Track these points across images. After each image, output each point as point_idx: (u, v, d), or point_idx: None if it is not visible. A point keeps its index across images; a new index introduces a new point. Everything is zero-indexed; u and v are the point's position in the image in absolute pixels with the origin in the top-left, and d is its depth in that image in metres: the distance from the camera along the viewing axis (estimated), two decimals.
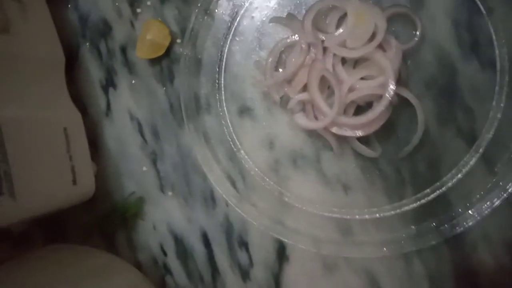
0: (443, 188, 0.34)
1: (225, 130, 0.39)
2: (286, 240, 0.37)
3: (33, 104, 0.36)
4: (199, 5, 0.38)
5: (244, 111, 0.39)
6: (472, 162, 0.34)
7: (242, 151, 0.39)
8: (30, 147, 0.33)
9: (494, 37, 0.33)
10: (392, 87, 0.32)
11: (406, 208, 0.35)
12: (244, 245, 0.39)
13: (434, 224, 0.34)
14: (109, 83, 0.42)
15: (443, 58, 0.35)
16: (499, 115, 0.33)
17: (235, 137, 0.39)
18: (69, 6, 0.43)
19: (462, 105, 0.34)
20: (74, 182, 0.37)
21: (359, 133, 0.34)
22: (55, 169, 0.35)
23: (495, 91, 0.33)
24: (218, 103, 0.39)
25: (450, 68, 0.35)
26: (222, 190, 0.38)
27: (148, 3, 0.41)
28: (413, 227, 0.35)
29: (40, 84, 0.37)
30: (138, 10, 0.41)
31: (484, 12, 0.33)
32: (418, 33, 0.34)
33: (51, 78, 0.39)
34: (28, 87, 0.36)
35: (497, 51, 0.33)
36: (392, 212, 0.36)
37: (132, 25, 0.41)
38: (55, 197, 0.35)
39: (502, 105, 0.33)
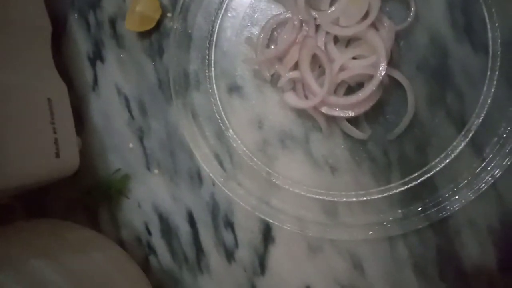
0: (431, 173, 0.34)
1: (214, 107, 0.38)
2: (272, 221, 0.36)
3: (16, 71, 0.35)
4: None
5: (234, 89, 0.38)
6: (460, 147, 0.34)
7: (230, 130, 0.38)
8: (12, 115, 0.32)
9: (487, 20, 0.33)
10: (383, 66, 0.31)
11: (393, 191, 0.35)
12: (230, 225, 0.39)
13: (420, 208, 0.34)
14: (96, 56, 0.41)
15: (436, 40, 0.34)
16: (489, 100, 0.33)
17: (223, 115, 0.38)
18: None
19: (453, 88, 0.34)
20: (57, 155, 0.36)
21: (349, 114, 0.33)
22: (37, 140, 0.34)
23: (487, 75, 0.33)
24: (208, 80, 0.38)
25: (442, 50, 0.34)
26: (209, 169, 0.37)
27: None
28: (399, 210, 0.34)
29: (24, 51, 0.36)
30: None
31: None
32: (411, 13, 0.34)
33: (36, 46, 0.38)
34: (11, 53, 0.35)
35: (490, 35, 0.33)
36: (379, 195, 0.35)
37: None
38: (37, 168, 0.34)
39: (492, 90, 0.33)
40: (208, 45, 0.38)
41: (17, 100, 0.33)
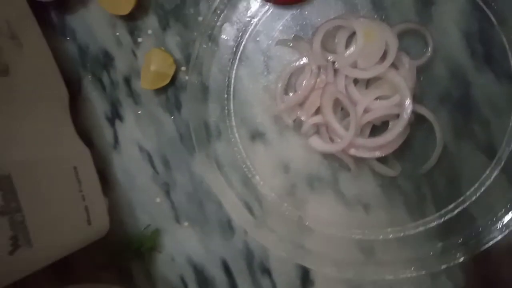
0: (466, 203, 0.34)
1: (238, 156, 0.38)
2: (308, 266, 0.36)
3: (40, 145, 0.35)
4: (202, 31, 0.37)
5: (256, 136, 0.38)
6: (494, 176, 0.33)
7: (257, 177, 0.38)
8: (42, 192, 0.32)
9: (507, 47, 0.32)
10: (409, 106, 0.31)
11: (430, 225, 0.35)
12: (266, 271, 0.39)
13: (460, 240, 0.33)
14: (114, 115, 0.41)
15: (457, 71, 0.34)
16: None
17: (248, 163, 0.38)
18: (67, 38, 0.42)
19: (478, 118, 0.34)
20: (89, 222, 0.36)
21: (378, 154, 0.33)
22: (69, 212, 0.34)
23: None
24: (229, 129, 0.38)
25: (464, 81, 0.34)
26: (239, 218, 0.37)
27: (149, 31, 0.40)
28: (438, 244, 0.34)
29: (45, 123, 0.36)
30: (139, 39, 0.40)
31: (495, 23, 0.32)
32: (430, 48, 0.34)
33: (55, 115, 0.38)
34: (34, 128, 0.35)
35: None
36: (416, 230, 0.35)
37: (134, 54, 0.40)
38: (71, 240, 0.34)
39: None
40: (226, 95, 0.38)
41: (45, 175, 0.33)
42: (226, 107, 0.38)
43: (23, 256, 0.30)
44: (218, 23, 0.37)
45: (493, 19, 0.33)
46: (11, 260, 0.29)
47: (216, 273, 0.40)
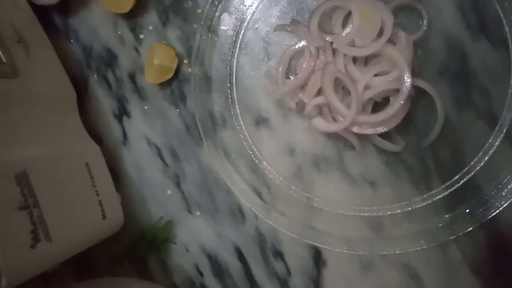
0: (471, 173, 0.34)
1: (244, 143, 0.39)
2: (320, 245, 0.37)
3: (52, 143, 0.36)
4: (201, 23, 0.38)
5: (260, 121, 0.39)
6: (497, 143, 0.34)
7: (264, 162, 0.39)
8: (58, 188, 0.33)
9: (502, 15, 0.33)
10: (408, 80, 0.32)
11: (436, 197, 0.35)
12: (279, 254, 0.39)
13: (467, 210, 0.34)
14: (121, 112, 0.42)
15: (453, 43, 0.35)
16: None
17: (254, 149, 0.39)
18: (71, 40, 0.43)
19: (478, 87, 0.34)
20: (104, 216, 0.37)
21: (381, 130, 0.34)
22: (84, 206, 0.35)
23: (511, 68, 0.33)
24: (234, 118, 0.39)
25: (460, 52, 0.34)
26: (249, 203, 0.38)
27: (150, 27, 0.41)
28: (446, 216, 0.35)
29: (55, 122, 0.37)
30: (141, 36, 0.41)
31: None
32: (425, 22, 0.34)
33: (65, 114, 0.39)
34: (44, 127, 0.36)
35: (507, 29, 0.33)
36: (423, 204, 0.35)
37: (137, 51, 0.41)
38: (88, 234, 0.35)
39: None
40: (228, 84, 0.39)
41: (60, 171, 0.34)
42: (230, 96, 0.39)
43: (43, 250, 0.31)
44: (217, 14, 0.38)
45: None
46: (33, 253, 0.30)
47: (230, 260, 0.41)
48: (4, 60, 0.33)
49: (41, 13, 0.40)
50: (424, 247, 0.34)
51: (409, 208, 0.36)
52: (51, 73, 0.39)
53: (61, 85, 0.40)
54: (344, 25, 0.35)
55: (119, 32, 0.42)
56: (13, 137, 0.32)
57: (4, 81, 0.33)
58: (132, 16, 0.41)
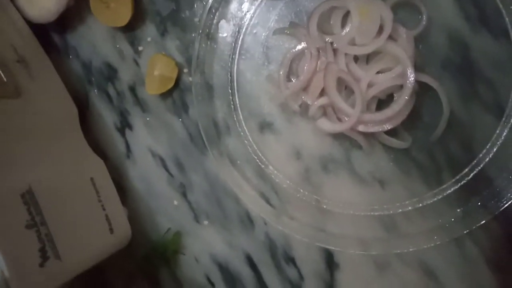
0: (481, 165, 0.34)
1: (249, 149, 0.39)
2: (332, 248, 0.36)
3: (56, 160, 0.36)
4: (199, 31, 0.38)
5: (265, 126, 0.39)
6: (504, 133, 0.33)
7: (270, 167, 0.38)
8: (64, 204, 0.33)
9: (500, 5, 0.33)
10: (412, 75, 0.32)
11: (447, 192, 0.35)
12: (291, 260, 0.39)
13: (479, 202, 0.33)
14: (124, 125, 0.42)
15: (454, 36, 0.34)
16: None
17: (260, 154, 0.39)
18: (70, 56, 0.43)
19: (482, 79, 0.34)
20: (111, 230, 0.36)
21: (387, 127, 0.33)
22: (91, 222, 0.35)
23: None
24: (237, 124, 0.39)
25: (462, 44, 0.34)
26: (258, 209, 0.37)
27: (148, 39, 0.41)
28: (458, 210, 0.34)
29: (58, 139, 0.37)
30: (140, 48, 0.41)
31: None
32: (424, 16, 0.34)
33: (67, 131, 0.39)
34: (48, 144, 0.36)
35: (507, 19, 0.33)
36: (434, 199, 0.35)
37: (136, 63, 0.41)
38: (97, 249, 0.35)
39: None
40: (230, 91, 0.39)
41: (65, 188, 0.34)
42: (232, 102, 0.39)
43: (52, 268, 0.31)
44: (214, 22, 0.38)
45: None
46: (42, 271, 0.30)
47: (241, 268, 0.40)
48: (6, 81, 0.33)
49: (39, 31, 0.40)
50: (438, 242, 0.34)
51: (421, 204, 0.35)
52: (52, 91, 0.39)
53: (62, 102, 0.40)
54: (343, 25, 0.35)
55: (118, 46, 0.41)
56: (17, 156, 0.32)
57: (7, 102, 0.33)
58: (130, 29, 0.41)
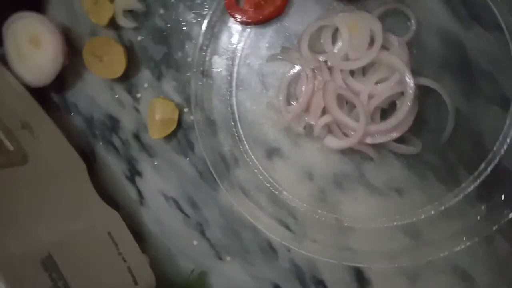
0: (497, 159, 0.33)
1: (260, 177, 0.38)
2: (359, 265, 0.35)
3: (71, 219, 0.35)
4: (194, 70, 0.38)
5: (272, 152, 0.38)
6: None
7: (284, 192, 0.38)
8: (85, 264, 0.33)
9: (489, 1, 0.33)
10: (411, 81, 0.31)
11: (468, 190, 0.34)
12: (321, 283, 0.38)
13: (502, 196, 0.33)
14: (133, 172, 0.42)
15: (447, 36, 0.34)
16: None
17: (272, 181, 0.38)
18: (71, 113, 0.43)
19: (482, 73, 0.34)
20: (136, 282, 0.36)
21: (395, 135, 0.33)
22: (114, 276, 0.35)
23: (510, 48, 0.33)
24: (244, 154, 0.39)
25: (456, 43, 0.34)
26: (278, 237, 0.37)
27: (145, 85, 0.41)
28: (482, 207, 0.33)
29: (70, 197, 0.37)
30: (138, 95, 0.42)
31: None
32: (413, 21, 0.34)
33: (78, 188, 0.39)
34: (60, 205, 0.36)
35: (495, 10, 0.33)
36: (455, 199, 0.34)
37: (137, 110, 0.42)
38: None
39: None
40: (232, 123, 0.39)
41: (83, 246, 0.34)
42: (236, 134, 0.39)
43: None
44: (207, 58, 0.39)
45: None
46: None
47: None
48: (13, 149, 0.34)
49: (38, 93, 0.40)
50: (468, 243, 0.33)
51: (442, 207, 0.34)
52: (58, 151, 0.40)
53: (69, 160, 0.40)
54: (334, 42, 0.35)
55: (117, 96, 0.42)
56: (31, 223, 0.32)
57: (15, 170, 0.33)
58: (126, 78, 0.41)
